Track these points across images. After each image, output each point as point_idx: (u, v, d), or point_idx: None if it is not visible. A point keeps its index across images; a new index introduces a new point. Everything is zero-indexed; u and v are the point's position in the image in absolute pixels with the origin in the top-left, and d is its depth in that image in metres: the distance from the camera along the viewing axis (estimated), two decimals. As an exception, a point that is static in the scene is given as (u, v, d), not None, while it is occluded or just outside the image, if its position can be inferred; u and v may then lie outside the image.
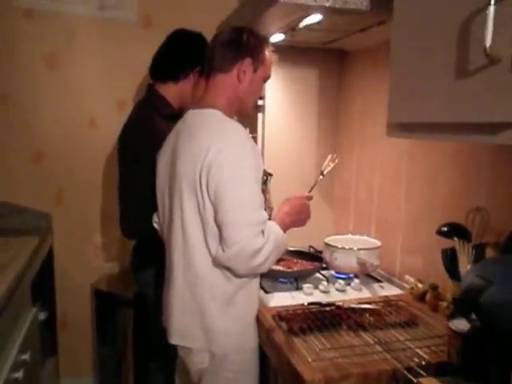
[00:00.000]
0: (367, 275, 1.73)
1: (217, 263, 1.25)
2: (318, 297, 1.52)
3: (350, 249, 1.66)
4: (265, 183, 1.64)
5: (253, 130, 2.05)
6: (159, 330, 1.44)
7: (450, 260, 1.31)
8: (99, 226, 2.33)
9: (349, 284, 1.62)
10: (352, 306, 1.39)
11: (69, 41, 2.18)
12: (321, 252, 1.81)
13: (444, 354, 1.11)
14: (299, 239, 1.91)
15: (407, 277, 1.62)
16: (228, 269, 1.26)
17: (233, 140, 1.24)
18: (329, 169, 1.58)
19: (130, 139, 1.72)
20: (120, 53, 2.24)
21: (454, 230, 1.30)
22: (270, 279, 1.64)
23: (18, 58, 2.13)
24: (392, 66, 1.11)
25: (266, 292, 1.55)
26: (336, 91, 2.15)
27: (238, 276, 1.28)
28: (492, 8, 0.75)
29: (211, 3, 2.26)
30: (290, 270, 1.67)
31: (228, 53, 1.35)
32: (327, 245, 1.73)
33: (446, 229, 1.32)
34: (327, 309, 1.38)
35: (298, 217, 1.42)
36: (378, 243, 1.74)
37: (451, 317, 1.18)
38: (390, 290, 1.62)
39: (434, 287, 1.46)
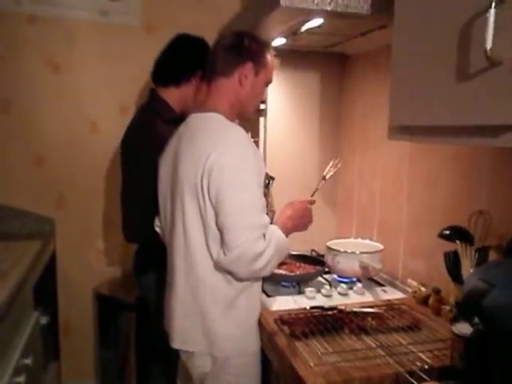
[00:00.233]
0: (370, 279, 1.72)
1: (218, 267, 1.25)
2: (320, 301, 1.52)
3: (353, 252, 1.66)
4: (267, 187, 1.64)
5: (255, 134, 2.05)
6: (161, 333, 1.44)
7: (453, 263, 1.30)
8: (101, 231, 2.34)
9: (351, 288, 1.62)
10: (354, 309, 1.39)
11: (71, 46, 2.19)
12: (323, 256, 1.80)
13: (447, 358, 1.10)
14: (301, 243, 1.90)
15: (410, 280, 1.61)
16: (229, 272, 1.25)
17: (234, 144, 1.24)
18: (331, 174, 1.58)
19: (132, 143, 1.73)
20: (122, 57, 2.25)
21: (457, 234, 1.30)
22: (272, 283, 1.64)
23: (21, 63, 2.14)
24: (393, 69, 1.11)
25: (268, 296, 1.54)
26: (337, 95, 2.16)
27: (239, 280, 1.28)
28: (492, 11, 0.75)
29: (214, 8, 2.28)
30: (292, 274, 1.66)
31: (230, 57, 1.35)
32: (329, 248, 1.72)
33: (448, 232, 1.31)
34: (329, 313, 1.38)
35: (300, 221, 1.42)
36: (381, 247, 1.73)
37: (454, 320, 1.17)
38: (392, 294, 1.61)
39: (437, 291, 1.46)
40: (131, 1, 2.24)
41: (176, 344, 1.36)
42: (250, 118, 1.52)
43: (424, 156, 1.62)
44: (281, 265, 1.71)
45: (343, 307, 1.40)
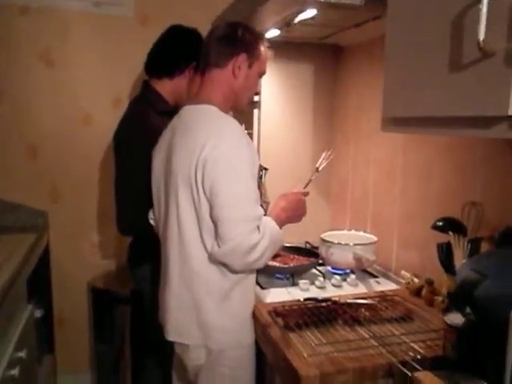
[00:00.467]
0: (363, 271, 1.73)
1: (213, 259, 1.25)
2: (314, 292, 1.52)
3: (346, 244, 1.66)
4: (261, 178, 1.64)
5: (249, 125, 2.04)
6: (156, 326, 1.45)
7: (446, 254, 1.31)
8: (95, 224, 2.33)
9: (345, 279, 1.62)
10: (348, 301, 1.40)
11: (64, 37, 2.17)
12: (317, 248, 1.81)
13: (439, 348, 1.11)
14: (295, 235, 1.91)
15: (403, 272, 1.62)
16: (224, 265, 1.26)
17: (228, 136, 1.24)
18: (323, 165, 1.58)
19: (125, 135, 1.72)
20: (116, 49, 2.23)
21: (450, 225, 1.30)
22: (266, 275, 1.64)
23: (14, 54, 2.12)
24: (386, 60, 1.11)
25: (262, 288, 1.55)
26: (331, 87, 2.15)
27: (234, 272, 1.28)
28: (485, 2, 0.75)
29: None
30: (286, 266, 1.67)
31: (223, 48, 1.34)
32: (323, 240, 1.73)
33: (441, 223, 1.32)
34: (323, 304, 1.39)
35: (294, 212, 1.42)
36: (374, 238, 1.74)
37: (446, 311, 1.18)
38: (385, 285, 1.62)
39: (430, 282, 1.47)
40: (124, -9, 2.22)
41: (171, 336, 1.36)
42: (243, 110, 1.52)
43: (417, 147, 1.62)
44: (275, 257, 1.71)
45: (337, 299, 1.41)
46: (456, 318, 1.04)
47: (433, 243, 1.36)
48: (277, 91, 2.09)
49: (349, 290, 1.56)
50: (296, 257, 1.77)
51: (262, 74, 1.43)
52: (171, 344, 1.41)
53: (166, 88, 1.79)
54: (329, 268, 1.75)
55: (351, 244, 1.66)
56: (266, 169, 1.64)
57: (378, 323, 1.28)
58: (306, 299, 1.42)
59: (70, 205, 2.27)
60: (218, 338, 1.29)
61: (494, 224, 1.25)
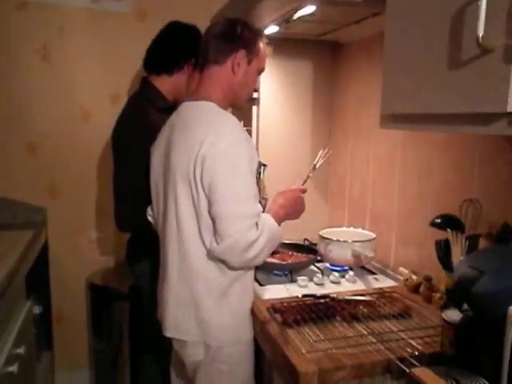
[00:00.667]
0: (362, 267, 1.74)
1: (211, 256, 1.25)
2: (312, 289, 1.53)
3: (345, 241, 1.67)
4: (259, 174, 1.64)
5: (247, 122, 2.04)
6: (154, 322, 1.45)
7: (444, 251, 1.32)
8: (94, 220, 2.33)
9: (343, 276, 1.63)
10: (346, 297, 1.40)
11: (62, 33, 2.16)
12: (315, 244, 1.81)
13: (437, 345, 1.12)
14: (294, 232, 1.91)
15: (401, 269, 1.63)
16: (223, 261, 1.26)
17: (227, 132, 1.24)
18: (321, 163, 1.58)
19: (124, 131, 1.71)
20: (114, 45, 2.22)
21: (448, 222, 1.31)
22: (265, 272, 1.65)
23: (11, 50, 2.11)
24: (385, 57, 1.11)
25: (261, 284, 1.55)
26: (330, 83, 2.15)
27: (232, 269, 1.28)
28: (484, -2, 0.75)
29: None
30: (284, 263, 1.67)
31: (222, 45, 1.34)
32: (322, 237, 1.73)
33: (439, 220, 1.32)
34: (321, 301, 1.39)
35: (292, 209, 1.42)
36: (373, 235, 1.74)
37: (444, 307, 1.19)
38: (384, 282, 1.62)
39: (428, 279, 1.47)
40: (122, -13, 2.21)
41: (169, 333, 1.36)
42: (242, 107, 1.52)
43: (416, 144, 1.62)
44: (273, 254, 1.72)
45: (335, 295, 1.41)
46: (454, 315, 1.04)
47: (431, 240, 1.36)
48: (276, 88, 2.09)
49: (347, 287, 1.57)
50: (294, 254, 1.78)
51: (261, 70, 1.43)
52: (169, 340, 1.41)
53: (165, 84, 1.78)
54: (327, 265, 1.75)
55: (349, 241, 1.66)
56: (264, 165, 1.64)
57: (376, 320, 1.29)
58: (304, 296, 1.42)
59: (68, 201, 2.27)
60: (217, 334, 1.30)
61: (491, 221, 1.25)
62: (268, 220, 1.28)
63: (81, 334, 2.37)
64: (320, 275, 1.61)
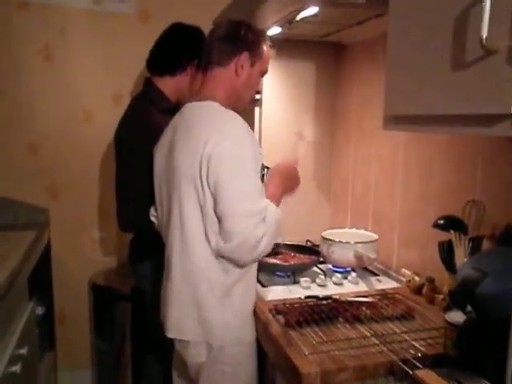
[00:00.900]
0: (364, 269, 1.73)
1: (219, 255, 1.25)
2: (315, 290, 1.52)
3: (347, 242, 1.66)
4: (263, 176, 1.64)
5: (249, 124, 2.02)
6: (156, 323, 1.45)
7: (447, 253, 1.31)
8: (96, 220, 2.33)
9: (346, 277, 1.62)
10: (349, 299, 1.40)
11: (64, 34, 2.17)
12: (318, 246, 1.81)
13: (440, 346, 1.11)
14: (296, 233, 1.92)
15: (404, 270, 1.62)
16: (227, 260, 1.25)
17: (231, 131, 1.24)
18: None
19: (127, 133, 1.71)
20: (117, 46, 2.23)
21: (451, 223, 1.31)
22: (267, 273, 1.65)
23: (13, 51, 2.12)
24: (388, 58, 1.11)
25: (263, 286, 1.55)
26: (333, 85, 2.15)
27: (239, 266, 1.28)
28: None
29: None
30: (287, 264, 1.67)
31: (225, 47, 1.34)
32: (324, 238, 1.73)
33: (442, 222, 1.32)
34: (324, 302, 1.39)
35: (288, 185, 1.40)
36: (375, 237, 1.74)
37: (447, 309, 1.19)
38: (386, 284, 1.62)
39: (431, 280, 1.47)
40: (125, -12, 2.22)
41: (171, 333, 1.36)
42: (244, 109, 1.51)
43: (419, 145, 1.62)
44: (276, 255, 1.72)
45: (338, 297, 1.41)
46: (457, 316, 1.04)
47: (434, 241, 1.36)
48: (278, 89, 2.09)
49: (350, 288, 1.56)
50: (297, 255, 1.78)
51: (264, 72, 1.43)
52: (172, 341, 1.40)
53: (168, 85, 1.78)
54: (330, 266, 1.75)
55: (352, 242, 1.66)
56: (268, 168, 1.64)
57: (378, 321, 1.28)
58: (306, 297, 1.42)
59: (70, 202, 2.27)
60: (220, 334, 1.29)
61: (495, 222, 1.25)
62: (269, 207, 1.25)
63: (83, 335, 2.37)
64: (322, 276, 1.61)
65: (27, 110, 2.17)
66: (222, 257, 1.25)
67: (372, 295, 1.46)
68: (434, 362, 1.07)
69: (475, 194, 1.33)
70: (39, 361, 1.73)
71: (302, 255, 1.77)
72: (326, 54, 2.10)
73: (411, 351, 1.10)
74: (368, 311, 1.32)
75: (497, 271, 0.92)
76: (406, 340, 1.17)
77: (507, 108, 0.76)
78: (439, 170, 1.52)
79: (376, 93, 1.83)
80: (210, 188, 1.22)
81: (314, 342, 1.16)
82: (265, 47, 1.38)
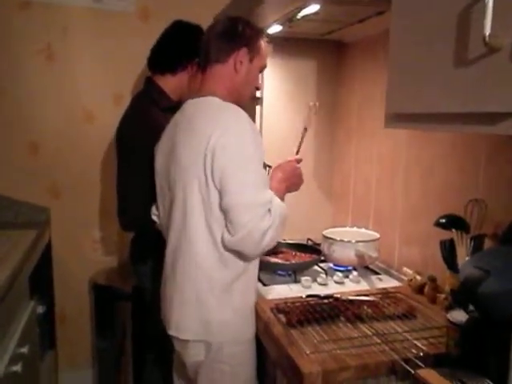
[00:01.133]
0: (365, 267, 1.73)
1: (225, 248, 1.24)
2: (316, 289, 1.52)
3: (349, 241, 1.66)
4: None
5: (251, 122, 2.03)
6: (157, 322, 1.44)
7: (449, 252, 1.31)
8: (97, 220, 2.33)
9: (347, 276, 1.62)
10: (350, 298, 1.39)
11: (65, 33, 2.16)
12: (319, 245, 1.81)
13: (442, 346, 1.11)
14: (297, 232, 1.91)
15: (405, 269, 1.62)
16: (232, 254, 1.25)
17: (234, 124, 1.23)
18: (312, 118, 1.52)
19: (127, 132, 1.71)
20: (117, 45, 2.22)
21: (453, 222, 1.30)
22: (268, 272, 1.64)
23: (14, 50, 2.11)
24: (390, 56, 1.10)
25: (265, 285, 1.55)
26: (334, 83, 2.14)
27: (245, 260, 1.27)
28: (491, -4, 0.74)
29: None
30: (288, 263, 1.67)
31: (224, 43, 1.34)
32: (325, 237, 1.72)
33: (444, 220, 1.31)
34: (325, 301, 1.38)
35: (291, 181, 1.41)
36: (377, 235, 1.74)
37: (449, 308, 1.18)
38: (388, 282, 1.62)
39: (433, 279, 1.46)
40: (125, -13, 2.21)
41: (172, 331, 1.35)
42: (245, 105, 1.51)
43: (421, 144, 1.61)
44: (277, 253, 1.72)
45: (339, 295, 1.41)
46: (459, 316, 1.03)
47: (435, 240, 1.35)
48: (279, 87, 2.08)
49: (351, 287, 1.56)
50: (298, 254, 1.77)
51: (262, 68, 1.43)
52: (172, 342, 1.40)
53: (169, 84, 1.78)
54: (331, 265, 1.75)
55: (353, 241, 1.66)
56: (269, 166, 1.63)
57: (380, 320, 1.28)
58: (308, 296, 1.42)
59: (71, 201, 2.27)
60: (218, 331, 1.29)
61: (497, 221, 1.25)
62: (275, 200, 1.25)
63: (84, 334, 2.37)
64: (324, 275, 1.60)
65: (28, 109, 2.17)
66: (228, 251, 1.25)
67: (373, 294, 1.46)
68: (435, 361, 1.06)
69: (477, 193, 1.32)
70: (40, 360, 1.73)
71: (303, 254, 1.77)
72: (326, 52, 2.10)
73: (413, 350, 1.10)
74: (369, 310, 1.31)
75: (499, 270, 0.91)
76: (408, 339, 1.16)
77: (510, 106, 0.75)
78: (441, 168, 1.51)
79: (377, 91, 1.82)
80: (214, 182, 1.21)
81: (316, 341, 1.16)
82: (262, 43, 1.38)
